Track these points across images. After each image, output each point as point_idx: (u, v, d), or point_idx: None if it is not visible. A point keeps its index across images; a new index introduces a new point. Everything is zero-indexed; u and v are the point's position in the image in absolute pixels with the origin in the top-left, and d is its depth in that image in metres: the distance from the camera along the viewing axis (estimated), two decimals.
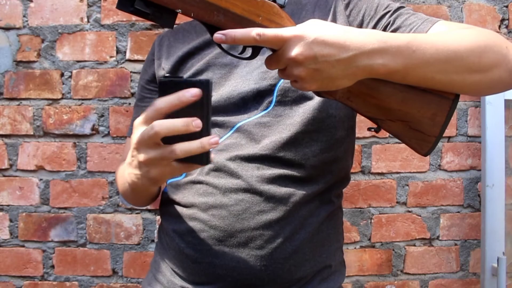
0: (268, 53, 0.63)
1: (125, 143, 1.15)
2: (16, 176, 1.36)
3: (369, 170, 1.37)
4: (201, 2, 0.59)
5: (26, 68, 1.34)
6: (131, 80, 1.35)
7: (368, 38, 0.59)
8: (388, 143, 1.37)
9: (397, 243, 1.38)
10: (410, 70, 0.62)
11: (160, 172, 0.60)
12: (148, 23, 1.35)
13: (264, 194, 0.74)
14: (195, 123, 0.55)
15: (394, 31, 0.73)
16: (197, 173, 0.79)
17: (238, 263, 0.74)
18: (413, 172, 1.38)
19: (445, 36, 0.65)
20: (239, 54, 0.68)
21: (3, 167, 1.35)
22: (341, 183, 0.85)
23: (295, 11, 0.81)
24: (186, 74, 0.84)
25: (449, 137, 1.38)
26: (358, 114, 0.80)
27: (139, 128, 0.59)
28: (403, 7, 0.76)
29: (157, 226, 1.34)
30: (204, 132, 0.56)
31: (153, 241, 1.36)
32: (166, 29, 1.27)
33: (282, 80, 0.77)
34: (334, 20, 0.79)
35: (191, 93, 0.55)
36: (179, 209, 0.81)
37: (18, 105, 1.35)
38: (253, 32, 0.58)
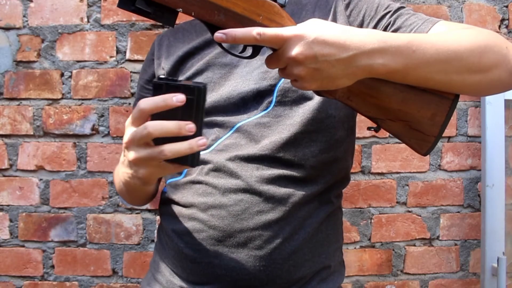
0: (268, 53, 0.63)
1: None
2: (16, 176, 1.36)
3: (369, 170, 1.37)
4: (202, 1, 0.59)
5: (26, 68, 1.34)
6: (131, 80, 1.35)
7: (368, 37, 0.60)
8: (388, 143, 1.37)
9: (397, 243, 1.38)
10: (410, 70, 0.62)
11: (149, 172, 0.61)
12: (148, 23, 1.35)
13: (264, 195, 0.74)
14: (188, 127, 0.56)
15: (395, 31, 0.73)
16: (196, 173, 0.79)
17: (237, 263, 0.74)
18: (413, 172, 1.38)
19: (445, 36, 0.65)
20: (239, 53, 0.68)
21: (3, 167, 1.35)
22: (340, 183, 0.85)
23: (295, 11, 0.81)
24: (186, 74, 0.84)
25: (449, 137, 1.38)
26: (358, 114, 0.80)
27: (129, 128, 0.60)
28: (403, 7, 0.76)
29: (157, 226, 1.34)
30: (196, 134, 0.57)
31: (153, 241, 1.36)
32: (166, 29, 1.27)
33: (282, 81, 0.77)
34: (334, 20, 0.78)
35: (177, 98, 0.56)
36: (179, 209, 0.81)
37: (18, 105, 1.35)
38: (254, 31, 0.58)
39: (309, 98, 0.77)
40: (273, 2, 0.65)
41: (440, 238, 1.39)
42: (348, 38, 0.59)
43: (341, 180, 0.85)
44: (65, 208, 1.36)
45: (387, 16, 0.75)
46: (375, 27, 0.75)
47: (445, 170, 1.38)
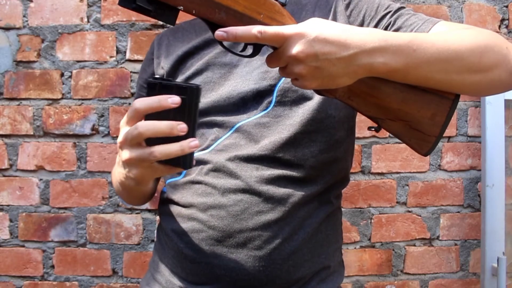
0: (268, 53, 0.63)
1: None
2: (16, 176, 1.36)
3: (369, 170, 1.37)
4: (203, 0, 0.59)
5: (26, 68, 1.34)
6: (131, 80, 1.35)
7: (369, 36, 0.60)
8: (388, 143, 1.37)
9: (397, 243, 1.38)
10: (410, 69, 0.62)
11: (141, 173, 0.61)
12: (148, 23, 1.35)
13: (263, 195, 0.74)
14: (180, 127, 0.56)
15: (395, 31, 0.72)
16: (196, 173, 0.79)
17: (237, 264, 0.74)
18: (413, 172, 1.38)
19: (445, 36, 0.65)
20: (240, 52, 0.68)
21: (3, 167, 1.35)
22: (340, 183, 0.85)
23: (295, 11, 0.81)
24: (186, 73, 0.84)
25: (449, 137, 1.38)
26: (358, 115, 0.80)
27: (124, 128, 0.60)
28: (403, 7, 0.76)
29: (157, 226, 1.34)
30: (189, 136, 0.57)
31: (153, 241, 1.36)
32: (165, 29, 1.27)
33: (282, 81, 0.77)
34: (334, 20, 0.78)
35: (172, 100, 0.56)
36: (178, 209, 0.80)
37: (18, 105, 1.35)
38: (254, 29, 0.58)
39: (309, 98, 0.77)
40: (274, 0, 0.65)
41: (440, 238, 1.39)
42: (349, 36, 0.59)
43: (341, 180, 0.85)
44: (65, 208, 1.36)
45: (388, 16, 0.75)
46: (375, 27, 0.75)
47: (445, 170, 1.38)
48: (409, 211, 1.38)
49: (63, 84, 1.35)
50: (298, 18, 0.77)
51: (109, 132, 1.35)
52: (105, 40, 1.34)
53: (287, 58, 0.59)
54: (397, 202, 1.38)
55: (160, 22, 1.35)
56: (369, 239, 1.38)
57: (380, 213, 1.38)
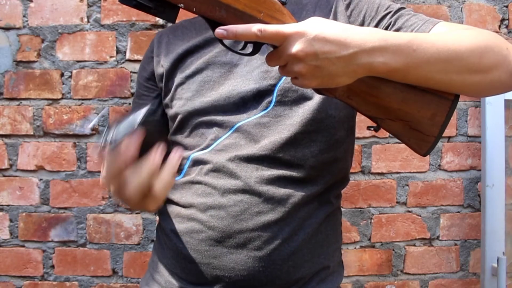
0: (268, 52, 0.63)
1: None
2: (16, 176, 1.36)
3: (369, 170, 1.37)
4: None
5: (26, 68, 1.34)
6: (131, 80, 1.35)
7: (369, 36, 0.60)
8: (388, 143, 1.37)
9: (397, 243, 1.38)
10: (410, 69, 0.62)
11: None
12: (148, 23, 1.35)
13: (263, 195, 0.74)
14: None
15: (395, 32, 0.73)
16: (196, 173, 0.79)
17: (236, 264, 0.74)
18: (413, 172, 1.38)
19: (445, 36, 0.65)
20: (240, 50, 0.68)
21: (3, 167, 1.35)
22: (340, 183, 0.85)
23: (295, 10, 0.81)
24: (185, 71, 0.83)
25: (449, 137, 1.38)
26: (358, 114, 0.80)
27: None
28: (404, 8, 0.76)
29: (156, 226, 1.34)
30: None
31: (153, 241, 1.36)
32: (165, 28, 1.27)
33: (282, 80, 0.77)
34: (335, 20, 0.78)
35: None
36: (178, 209, 0.80)
37: (18, 105, 1.35)
38: (255, 28, 0.58)
39: (309, 98, 0.76)
40: None
41: (440, 238, 1.39)
42: (349, 36, 0.59)
43: (341, 180, 0.85)
44: (65, 208, 1.36)
45: (388, 17, 0.75)
46: (375, 27, 0.75)
47: (445, 170, 1.38)
48: (409, 211, 1.38)
49: (63, 84, 1.35)
50: (298, 17, 0.77)
51: None
52: (105, 40, 1.34)
53: (287, 57, 0.59)
54: (397, 202, 1.38)
55: (160, 22, 1.35)
56: (369, 239, 1.38)
57: (380, 213, 1.38)
